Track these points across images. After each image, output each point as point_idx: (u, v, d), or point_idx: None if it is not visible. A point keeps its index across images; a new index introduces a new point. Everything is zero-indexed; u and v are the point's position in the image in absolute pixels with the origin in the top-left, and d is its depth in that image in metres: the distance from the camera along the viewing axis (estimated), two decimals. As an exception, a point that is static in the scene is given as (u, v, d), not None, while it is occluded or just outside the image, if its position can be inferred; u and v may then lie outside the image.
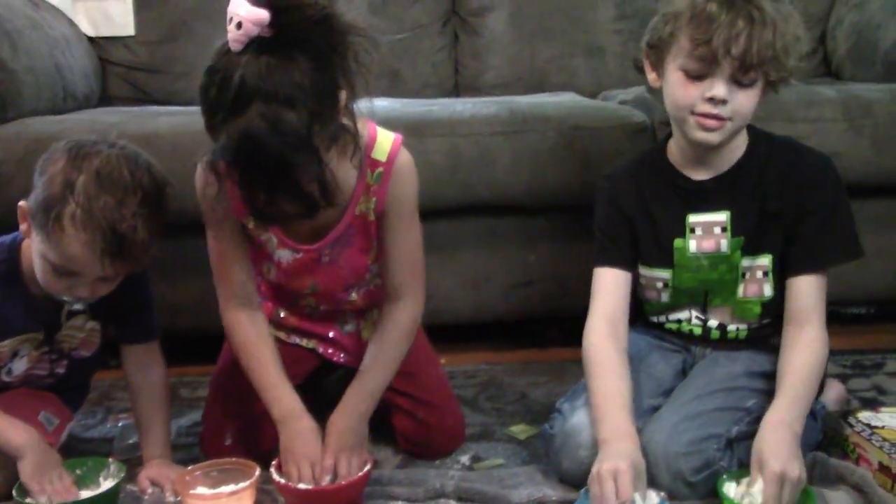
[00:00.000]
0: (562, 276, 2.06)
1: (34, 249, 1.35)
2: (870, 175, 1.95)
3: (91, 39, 2.52)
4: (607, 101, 2.27)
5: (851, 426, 1.45)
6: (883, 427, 1.43)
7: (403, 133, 1.44)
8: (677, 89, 1.37)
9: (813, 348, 1.37)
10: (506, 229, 2.05)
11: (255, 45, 1.15)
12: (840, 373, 1.85)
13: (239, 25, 1.13)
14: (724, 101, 1.33)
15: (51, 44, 2.22)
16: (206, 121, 1.20)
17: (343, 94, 1.22)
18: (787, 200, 1.41)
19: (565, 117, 1.99)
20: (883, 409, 1.51)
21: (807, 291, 1.40)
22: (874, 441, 1.39)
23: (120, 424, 1.71)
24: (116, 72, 2.56)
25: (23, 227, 1.36)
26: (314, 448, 1.38)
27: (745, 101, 1.34)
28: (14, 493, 1.35)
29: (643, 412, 1.41)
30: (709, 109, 1.34)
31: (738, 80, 1.33)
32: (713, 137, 1.37)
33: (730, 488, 1.28)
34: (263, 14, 1.13)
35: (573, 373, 1.87)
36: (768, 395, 1.41)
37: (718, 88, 1.32)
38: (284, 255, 1.45)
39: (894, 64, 2.27)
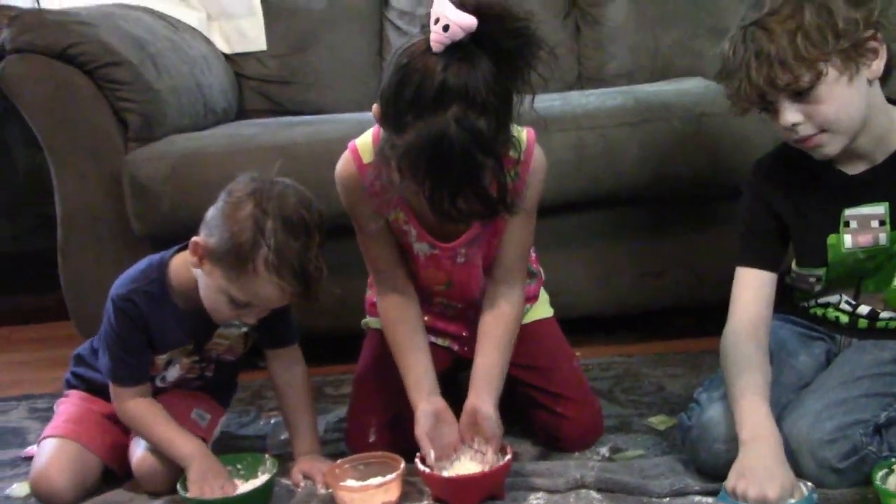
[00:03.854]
0: (693, 265, 2.04)
1: (210, 283, 1.41)
2: None
3: (226, 56, 2.64)
4: (735, 85, 2.22)
5: None
6: None
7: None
8: (774, 127, 1.36)
9: None
10: (634, 220, 2.04)
11: (455, 48, 1.18)
12: None
13: (446, 28, 1.16)
14: (798, 123, 1.29)
15: (190, 63, 2.34)
16: (391, 116, 1.23)
17: (516, 102, 1.25)
18: None
19: (692, 105, 1.96)
20: None
21: None
22: None
23: (272, 422, 1.80)
24: (251, 86, 2.66)
25: (193, 259, 1.42)
26: (448, 436, 1.41)
27: (827, 106, 1.28)
28: (178, 486, 1.44)
29: (782, 407, 1.36)
30: (795, 136, 1.32)
31: (797, 96, 1.28)
32: (828, 151, 1.32)
33: (884, 477, 1.24)
34: (472, 20, 1.17)
35: (709, 364, 1.84)
36: (920, 381, 1.37)
37: (783, 117, 1.30)
38: (423, 249, 1.49)
39: None
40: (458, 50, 1.18)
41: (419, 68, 1.19)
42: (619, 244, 2.04)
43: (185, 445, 1.48)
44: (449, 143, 1.17)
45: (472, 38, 1.18)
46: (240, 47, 2.65)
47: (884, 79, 1.33)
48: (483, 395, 1.44)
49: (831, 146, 1.32)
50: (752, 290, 1.43)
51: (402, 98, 1.20)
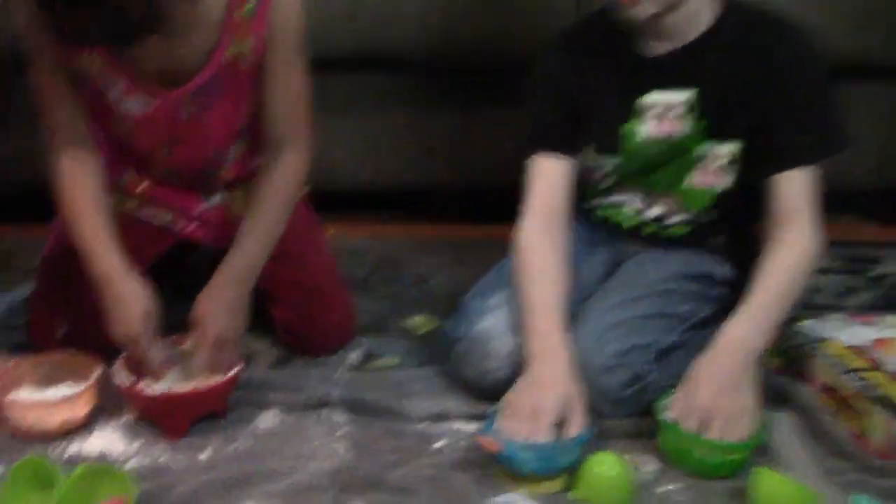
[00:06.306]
0: (468, 145, 1.89)
1: None
2: (847, 56, 1.73)
3: None
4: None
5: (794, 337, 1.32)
6: (826, 340, 1.28)
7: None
8: None
9: (794, 251, 1.19)
10: (408, 89, 1.86)
11: None
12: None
13: None
14: None
15: None
16: None
17: None
18: (759, 85, 1.21)
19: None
20: (829, 316, 1.36)
21: (788, 191, 1.21)
22: (819, 358, 1.25)
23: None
24: None
25: None
26: (137, 316, 1.14)
27: None
28: None
29: None
30: None
31: None
32: (639, 12, 1.17)
33: (667, 411, 1.12)
34: None
35: (476, 256, 1.70)
36: (705, 300, 1.27)
37: None
38: (135, 106, 1.19)
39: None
40: None
41: None
42: (391, 114, 1.86)
43: None
44: None
45: None
46: None
47: None
48: (210, 291, 1.20)
49: (645, 8, 1.16)
50: (548, 179, 1.29)
51: None
